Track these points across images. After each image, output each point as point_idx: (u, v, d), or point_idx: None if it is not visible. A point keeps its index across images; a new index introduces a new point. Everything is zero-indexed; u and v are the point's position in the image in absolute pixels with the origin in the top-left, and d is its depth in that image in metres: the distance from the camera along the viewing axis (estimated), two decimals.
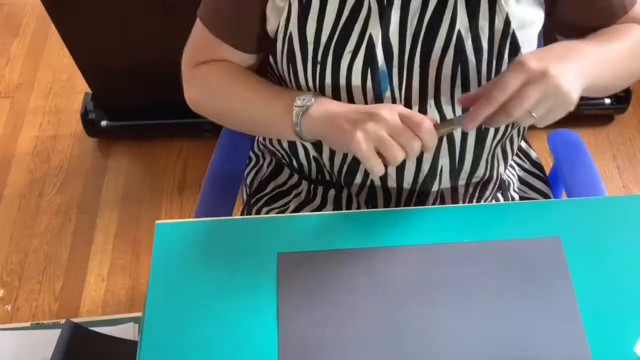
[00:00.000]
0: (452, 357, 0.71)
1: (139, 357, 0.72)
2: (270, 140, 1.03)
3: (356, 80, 0.81)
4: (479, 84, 0.81)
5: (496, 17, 0.78)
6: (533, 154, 1.10)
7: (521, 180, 1.06)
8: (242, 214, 1.07)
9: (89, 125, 1.87)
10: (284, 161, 1.02)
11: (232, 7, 0.85)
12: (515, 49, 0.80)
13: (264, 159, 1.08)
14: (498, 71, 0.81)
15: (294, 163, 0.99)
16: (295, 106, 0.79)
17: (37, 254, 1.71)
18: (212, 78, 0.91)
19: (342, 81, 0.82)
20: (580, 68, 0.72)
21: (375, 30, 0.79)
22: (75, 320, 1.50)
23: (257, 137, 1.10)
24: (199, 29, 0.90)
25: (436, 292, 0.75)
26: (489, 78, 0.81)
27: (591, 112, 1.84)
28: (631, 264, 0.76)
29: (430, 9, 0.78)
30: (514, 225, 0.81)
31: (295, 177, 1.03)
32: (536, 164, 1.09)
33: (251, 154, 1.12)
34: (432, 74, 0.81)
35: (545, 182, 1.07)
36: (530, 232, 0.80)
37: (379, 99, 0.82)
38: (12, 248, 1.72)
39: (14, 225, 1.77)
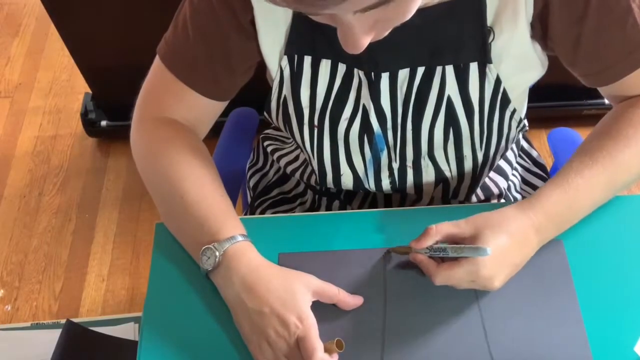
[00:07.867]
0: (453, 357, 0.71)
1: (139, 357, 0.72)
2: (279, 158, 1.02)
3: (354, 143, 0.83)
4: (472, 141, 0.82)
5: (486, 79, 0.77)
6: (534, 154, 1.09)
7: (524, 181, 1.06)
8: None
9: (89, 125, 1.87)
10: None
11: (204, 48, 0.78)
12: (505, 101, 0.80)
13: (271, 167, 1.07)
14: (490, 126, 0.81)
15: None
16: (201, 256, 0.73)
17: (37, 254, 1.71)
18: (167, 157, 0.79)
19: (340, 142, 0.83)
20: (523, 260, 0.72)
21: (367, 100, 0.79)
22: (75, 320, 1.50)
23: (262, 140, 1.09)
24: (159, 70, 0.82)
25: (437, 293, 0.75)
26: (481, 134, 0.82)
27: (591, 112, 1.84)
28: (632, 265, 0.76)
29: (419, 77, 0.77)
30: None
31: (302, 187, 1.02)
32: (538, 164, 1.09)
33: (257, 155, 1.11)
34: (424, 135, 0.82)
35: None
36: None
37: (376, 158, 0.84)
38: (12, 248, 1.72)
39: (14, 225, 1.77)
